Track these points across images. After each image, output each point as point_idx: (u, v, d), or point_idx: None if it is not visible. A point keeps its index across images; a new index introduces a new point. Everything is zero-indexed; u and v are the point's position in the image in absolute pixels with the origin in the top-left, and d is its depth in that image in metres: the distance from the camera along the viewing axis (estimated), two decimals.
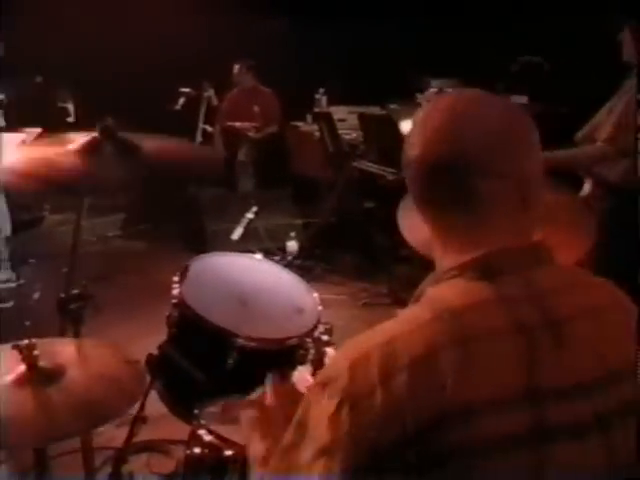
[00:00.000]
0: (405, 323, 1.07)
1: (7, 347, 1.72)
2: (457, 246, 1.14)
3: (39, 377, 1.68)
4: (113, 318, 4.11)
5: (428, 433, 0.97)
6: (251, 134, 6.72)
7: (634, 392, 1.08)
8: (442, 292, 1.11)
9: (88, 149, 1.92)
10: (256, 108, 6.70)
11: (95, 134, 1.93)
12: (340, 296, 5.05)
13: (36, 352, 1.68)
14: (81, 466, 2.32)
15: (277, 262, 4.91)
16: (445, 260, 1.15)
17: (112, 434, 2.96)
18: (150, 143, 2.08)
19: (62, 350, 1.82)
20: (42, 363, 1.70)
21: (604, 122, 3.38)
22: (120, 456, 2.56)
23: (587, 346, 1.08)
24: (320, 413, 1.04)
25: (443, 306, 1.06)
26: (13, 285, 4.47)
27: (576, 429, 1.03)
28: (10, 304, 4.28)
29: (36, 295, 4.15)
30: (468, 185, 1.10)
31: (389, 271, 5.26)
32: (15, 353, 1.69)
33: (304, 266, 5.37)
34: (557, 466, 1.01)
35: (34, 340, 1.68)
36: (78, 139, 2.01)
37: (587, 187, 3.40)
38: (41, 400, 1.62)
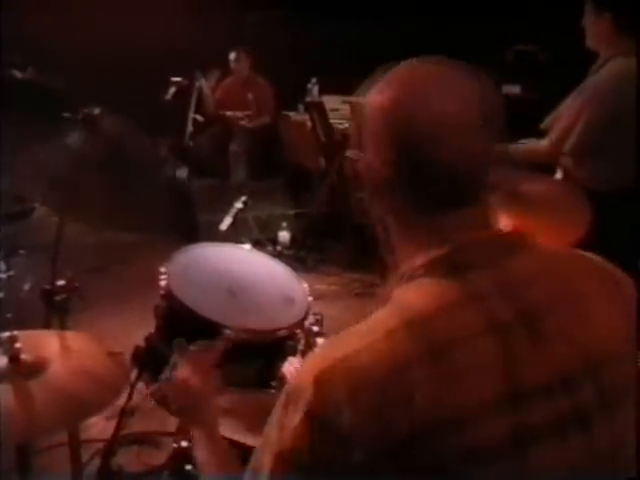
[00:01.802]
0: (371, 332, 1.00)
1: None
2: (421, 242, 1.09)
3: (21, 370, 1.65)
4: (104, 310, 4.10)
5: (401, 449, 0.93)
6: (244, 123, 6.69)
7: (619, 379, 1.04)
8: (409, 295, 1.05)
9: None
10: (250, 96, 6.68)
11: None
12: (332, 286, 5.04)
13: (18, 345, 1.65)
14: (68, 459, 2.30)
15: (269, 252, 4.90)
16: (411, 258, 1.10)
17: (102, 427, 2.95)
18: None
19: (45, 343, 1.79)
20: (24, 356, 1.68)
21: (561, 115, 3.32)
22: (109, 449, 2.54)
23: (564, 337, 1.03)
24: (285, 422, 1.00)
25: (411, 312, 1.01)
26: (3, 276, 4.43)
27: (558, 425, 0.99)
28: (0, 295, 4.24)
29: (26, 286, 4.12)
30: (421, 159, 1.05)
31: (381, 261, 5.22)
32: None
33: (296, 256, 5.35)
34: (543, 466, 0.98)
35: (16, 332, 1.65)
36: None
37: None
38: (23, 394, 1.59)
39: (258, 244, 5.30)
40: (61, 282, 2.02)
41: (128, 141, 2.19)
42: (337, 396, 0.95)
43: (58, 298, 2.00)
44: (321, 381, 0.97)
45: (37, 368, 1.67)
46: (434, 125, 1.05)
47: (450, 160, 1.05)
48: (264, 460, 1.02)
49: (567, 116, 3.21)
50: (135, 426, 3.00)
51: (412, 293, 1.05)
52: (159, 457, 2.79)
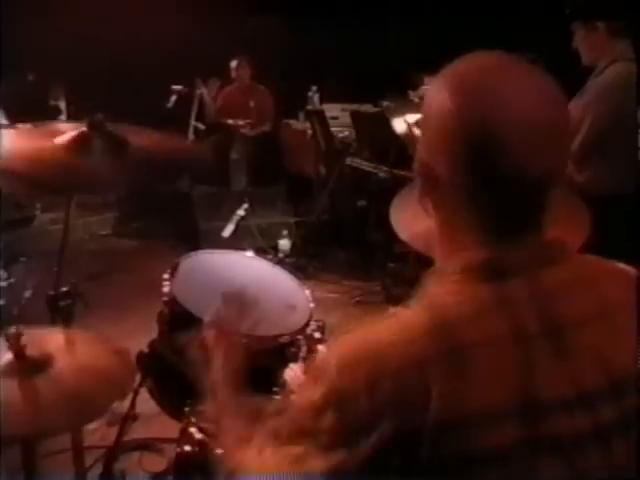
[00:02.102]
0: (400, 328, 1.02)
1: None
2: (467, 243, 1.07)
3: (27, 366, 1.65)
4: (105, 316, 4.10)
5: (407, 443, 0.95)
6: (245, 131, 6.71)
7: (636, 401, 1.02)
8: (443, 296, 1.05)
9: (76, 144, 1.89)
10: (251, 103, 6.70)
11: (83, 128, 1.90)
12: (333, 294, 5.04)
13: (24, 341, 1.65)
14: (71, 465, 2.30)
15: (269, 260, 4.90)
16: (451, 259, 1.09)
17: (104, 433, 2.95)
18: (138, 138, 2.05)
19: (50, 339, 1.79)
20: (30, 352, 1.68)
21: None
22: (111, 455, 2.55)
23: (591, 353, 1.02)
24: (304, 397, 1.04)
25: (440, 311, 1.01)
26: (4, 284, 4.44)
27: (575, 441, 0.98)
28: (1, 302, 4.26)
29: (27, 294, 4.13)
30: (498, 168, 1.00)
31: (382, 269, 5.25)
32: (2, 343, 1.67)
33: (296, 264, 5.35)
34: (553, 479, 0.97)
35: (22, 328, 1.66)
36: (66, 132, 1.99)
37: None
38: (28, 390, 1.60)
39: (260, 251, 5.32)
40: (65, 288, 2.04)
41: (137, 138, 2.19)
42: (357, 382, 0.98)
43: (63, 303, 2.01)
44: (344, 365, 1.00)
45: (42, 364, 1.68)
46: (516, 133, 1.00)
47: (529, 174, 1.01)
48: (283, 429, 1.06)
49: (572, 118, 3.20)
50: (137, 432, 3.01)
51: (445, 292, 1.05)
52: (161, 463, 2.79)
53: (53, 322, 2.05)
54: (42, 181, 1.87)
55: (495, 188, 1.02)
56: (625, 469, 1.01)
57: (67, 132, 1.98)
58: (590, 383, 1.00)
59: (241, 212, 2.15)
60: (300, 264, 5.39)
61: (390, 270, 5.16)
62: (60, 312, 2.02)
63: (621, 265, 1.17)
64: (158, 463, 2.85)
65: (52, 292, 2.01)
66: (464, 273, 1.05)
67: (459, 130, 1.02)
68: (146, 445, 3.04)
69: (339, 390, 0.99)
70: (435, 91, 1.09)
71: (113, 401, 1.67)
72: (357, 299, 5.01)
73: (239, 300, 1.74)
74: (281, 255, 5.41)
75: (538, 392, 0.98)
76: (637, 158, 2.93)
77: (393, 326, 1.03)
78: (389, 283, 5.03)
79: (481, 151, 1.01)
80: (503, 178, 1.01)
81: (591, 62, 3.30)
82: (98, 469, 2.67)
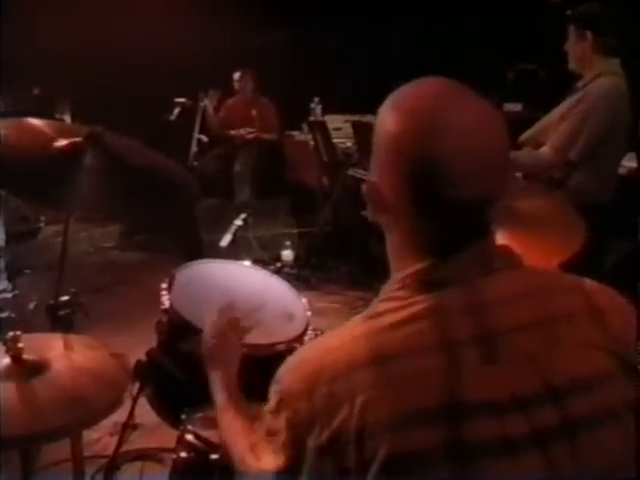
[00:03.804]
0: (340, 336, 1.10)
1: None
2: (412, 259, 1.10)
3: (24, 370, 1.67)
4: (108, 329, 4.11)
5: (335, 446, 1.01)
6: (250, 137, 6.75)
7: (588, 406, 1.02)
8: (382, 306, 1.09)
9: (69, 153, 1.90)
10: (254, 112, 6.74)
11: (79, 139, 1.92)
12: (335, 305, 5.05)
13: (21, 345, 1.67)
14: (71, 476, 2.32)
15: (272, 271, 4.91)
16: (397, 272, 1.13)
17: (105, 443, 2.97)
18: (135, 157, 2.06)
19: (48, 344, 1.81)
20: (27, 356, 1.69)
21: (553, 127, 3.34)
22: (112, 465, 2.56)
23: (525, 359, 1.02)
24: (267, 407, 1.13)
25: (374, 323, 1.07)
26: (9, 295, 4.47)
27: (506, 445, 0.99)
28: (5, 314, 4.28)
29: (31, 305, 4.15)
30: (437, 195, 1.03)
31: (385, 280, 5.23)
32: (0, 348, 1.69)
33: (299, 275, 5.37)
34: None
35: (19, 333, 1.67)
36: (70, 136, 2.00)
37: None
38: (26, 393, 1.61)
39: (263, 263, 5.34)
40: (65, 297, 2.05)
41: (133, 156, 2.21)
42: (299, 388, 1.07)
43: (62, 313, 2.03)
44: (293, 370, 1.11)
45: (40, 368, 1.69)
46: (456, 160, 1.02)
47: (469, 199, 1.04)
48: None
49: (570, 124, 3.22)
50: (139, 442, 3.02)
51: (385, 304, 1.09)
52: (162, 473, 2.80)
53: (53, 331, 2.07)
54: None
55: (436, 213, 1.06)
56: (569, 472, 1.00)
57: (70, 137, 2.00)
58: (524, 387, 1.01)
59: (239, 222, 2.17)
60: (303, 275, 5.41)
61: None
62: (60, 321, 2.04)
63: (580, 278, 1.17)
64: (159, 472, 2.86)
65: (52, 301, 2.03)
66: (403, 283, 1.09)
67: (401, 155, 1.07)
68: (147, 455, 3.05)
69: (286, 396, 1.08)
70: (383, 112, 1.12)
71: (111, 404, 1.67)
72: (359, 310, 4.98)
73: (235, 311, 1.84)
74: (284, 266, 5.42)
75: (462, 396, 0.99)
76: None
77: (338, 334, 1.11)
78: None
79: (421, 177, 1.04)
80: (443, 204, 1.04)
81: (576, 69, 3.36)
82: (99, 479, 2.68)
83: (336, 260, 5.78)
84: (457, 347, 1.02)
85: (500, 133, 1.08)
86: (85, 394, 1.66)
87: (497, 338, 1.03)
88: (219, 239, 5.24)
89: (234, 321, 1.80)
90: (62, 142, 1.92)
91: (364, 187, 1.16)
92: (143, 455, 3.03)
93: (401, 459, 0.98)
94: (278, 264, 5.39)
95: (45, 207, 4.59)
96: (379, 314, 1.08)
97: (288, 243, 5.64)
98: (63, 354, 1.74)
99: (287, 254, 5.55)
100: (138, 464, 3.00)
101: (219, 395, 1.58)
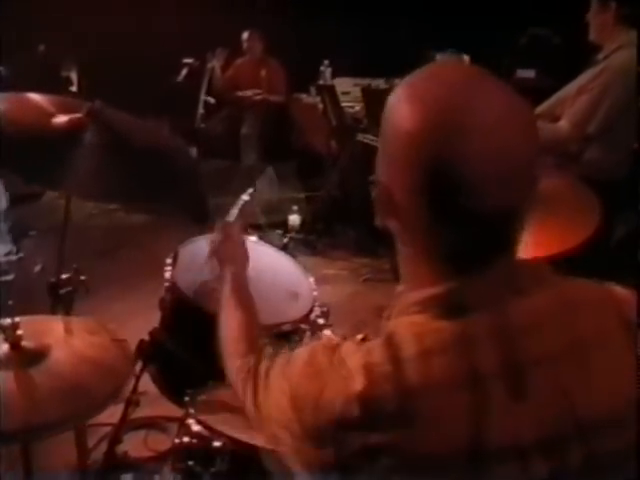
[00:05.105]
0: (358, 363, 0.96)
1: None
2: (429, 275, 0.99)
3: (23, 358, 1.65)
4: (111, 294, 4.12)
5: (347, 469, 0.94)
6: (257, 98, 6.68)
7: (612, 444, 0.95)
8: (401, 331, 0.97)
9: (69, 130, 1.85)
10: (263, 73, 6.66)
11: (80, 115, 1.87)
12: (341, 271, 5.03)
13: (20, 332, 1.65)
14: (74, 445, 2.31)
15: (279, 236, 4.85)
16: (412, 291, 1.02)
17: (109, 411, 2.96)
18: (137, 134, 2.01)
19: (48, 329, 1.79)
20: (26, 343, 1.67)
21: (570, 100, 3.29)
22: (115, 437, 2.55)
23: (554, 394, 0.94)
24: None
25: (394, 350, 0.94)
26: (13, 258, 4.46)
27: None
28: (11, 277, 4.28)
29: (37, 268, 4.14)
30: (456, 203, 0.92)
31: (391, 247, 5.20)
32: None
33: (306, 240, 5.35)
34: None
35: (18, 319, 1.65)
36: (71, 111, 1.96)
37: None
38: (25, 382, 1.59)
39: (270, 226, 5.31)
40: (66, 275, 2.02)
41: (133, 127, 2.17)
42: (308, 396, 0.99)
43: (63, 291, 2.00)
44: (305, 374, 1.02)
45: (39, 355, 1.67)
46: (478, 167, 0.90)
47: (492, 210, 0.93)
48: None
49: (589, 97, 3.18)
50: (143, 411, 3.02)
51: (404, 328, 0.98)
52: (166, 442, 2.80)
53: (54, 309, 2.04)
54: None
55: (454, 223, 0.95)
56: None
57: (71, 111, 1.95)
58: (550, 426, 0.93)
59: (245, 197, 2.13)
60: (309, 240, 5.39)
61: None
62: (61, 300, 2.01)
63: (610, 288, 1.06)
64: (163, 442, 2.87)
65: (53, 279, 2.00)
66: (424, 305, 0.98)
67: (417, 154, 0.94)
68: (151, 424, 3.05)
69: (296, 395, 1.00)
70: (395, 102, 0.99)
71: (112, 392, 1.65)
72: (366, 277, 4.98)
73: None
74: (291, 231, 5.38)
75: (488, 440, 0.91)
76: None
77: (355, 358, 0.97)
78: (398, 261, 5.00)
79: (438, 183, 0.92)
80: (462, 213, 0.93)
81: (597, 40, 3.30)
82: (102, 449, 2.68)
83: (343, 225, 5.74)
84: (484, 382, 0.92)
85: (530, 132, 0.96)
86: (85, 383, 1.64)
87: (526, 369, 0.94)
88: (225, 202, 5.20)
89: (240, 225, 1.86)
90: (62, 118, 1.87)
91: (372, 188, 1.06)
92: (147, 424, 3.04)
93: None
94: (290, 232, 5.34)
95: (44, 187, 4.52)
96: (396, 340, 0.96)
97: (295, 208, 5.59)
98: (63, 339, 1.72)
99: (294, 219, 5.50)
100: (142, 433, 3.01)
101: (225, 287, 1.58)
